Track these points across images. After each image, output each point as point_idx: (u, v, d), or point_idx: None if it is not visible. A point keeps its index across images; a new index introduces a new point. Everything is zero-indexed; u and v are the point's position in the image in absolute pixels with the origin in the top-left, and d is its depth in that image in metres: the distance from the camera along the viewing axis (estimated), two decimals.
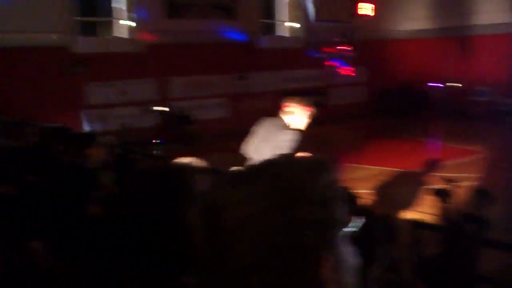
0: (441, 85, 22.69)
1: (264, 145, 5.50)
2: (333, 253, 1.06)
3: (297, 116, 5.65)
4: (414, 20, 23.63)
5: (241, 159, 5.78)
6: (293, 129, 5.54)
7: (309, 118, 5.72)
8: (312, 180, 1.06)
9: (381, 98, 23.37)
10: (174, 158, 4.08)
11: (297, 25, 22.15)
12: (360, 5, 21.40)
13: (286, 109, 5.67)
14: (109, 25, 18.79)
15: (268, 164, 1.11)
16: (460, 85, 22.30)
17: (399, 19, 24.22)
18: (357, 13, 21.20)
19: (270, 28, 22.19)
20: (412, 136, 18.03)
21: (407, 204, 6.51)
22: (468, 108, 21.57)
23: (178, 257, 1.52)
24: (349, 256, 1.11)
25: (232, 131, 18.63)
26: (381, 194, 6.98)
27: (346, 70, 21.09)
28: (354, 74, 21.32)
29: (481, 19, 21.53)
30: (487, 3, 21.55)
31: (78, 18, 17.56)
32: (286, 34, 22.33)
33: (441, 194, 6.17)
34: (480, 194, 6.37)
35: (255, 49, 20.54)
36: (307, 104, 5.63)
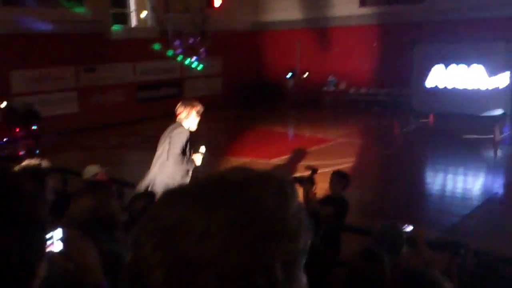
0: (292, 75, 23.47)
1: (158, 148, 6.13)
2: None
3: (190, 119, 6.09)
4: (273, 12, 24.01)
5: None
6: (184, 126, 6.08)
7: (198, 116, 6.19)
8: (282, 208, 0.93)
9: (237, 89, 23.52)
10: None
11: (149, 15, 21.29)
12: None
13: (179, 116, 6.09)
14: None
15: (232, 184, 0.94)
16: (307, 73, 23.18)
17: (258, 10, 24.51)
18: (212, 4, 20.90)
19: (122, 18, 21.04)
20: (270, 127, 18.39)
21: None
22: (320, 98, 22.55)
23: None
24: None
25: (82, 127, 17.48)
26: None
27: (199, 61, 20.79)
28: (204, 65, 21.03)
29: (335, 11, 22.52)
30: None
31: None
32: (139, 24, 21.38)
33: (302, 181, 6.12)
34: (338, 176, 6.42)
35: (105, 39, 19.37)
36: (192, 105, 6.08)
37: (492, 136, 14.48)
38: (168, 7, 20.74)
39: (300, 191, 6.17)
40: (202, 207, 0.89)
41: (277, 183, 0.98)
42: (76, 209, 2.85)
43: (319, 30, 22.97)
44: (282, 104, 22.83)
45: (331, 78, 22.67)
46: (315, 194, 6.24)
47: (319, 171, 6.79)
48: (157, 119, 19.26)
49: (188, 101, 6.39)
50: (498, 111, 17.09)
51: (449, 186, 11.41)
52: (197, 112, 6.19)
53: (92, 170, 5.90)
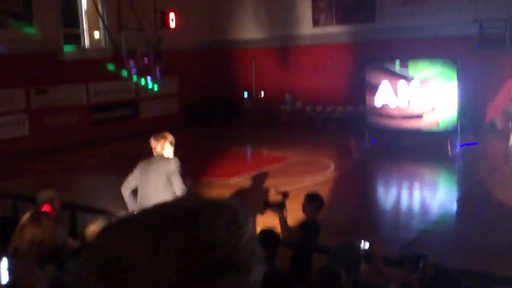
0: (248, 95, 23.58)
1: (148, 181, 6.07)
2: None
3: (166, 150, 6.23)
4: (230, 30, 24.08)
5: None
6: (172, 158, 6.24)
7: (172, 146, 6.35)
8: (234, 238, 0.88)
9: (194, 109, 23.41)
10: None
11: (102, 35, 21.01)
12: (170, 15, 21.01)
13: (156, 149, 6.23)
14: None
15: (182, 213, 0.89)
16: (263, 93, 23.40)
17: (215, 29, 24.54)
18: (168, 24, 20.80)
19: (75, 38, 20.66)
20: (228, 145, 18.33)
21: None
22: (277, 116, 22.68)
23: None
24: None
25: (34, 151, 16.95)
26: None
27: (154, 81, 20.56)
28: (160, 85, 20.77)
29: (290, 31, 22.80)
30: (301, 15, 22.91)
31: None
32: (92, 44, 21.03)
33: (274, 207, 6.10)
34: (308, 199, 6.36)
35: (57, 60, 18.95)
36: (163, 137, 6.26)
37: (446, 150, 14.83)
38: (121, 26, 20.50)
39: (273, 216, 6.18)
40: (149, 238, 0.85)
41: (230, 212, 0.93)
42: (22, 239, 2.71)
43: (275, 49, 23.20)
44: (240, 122, 22.84)
45: (287, 96, 22.85)
46: (286, 220, 6.21)
47: (289, 194, 6.71)
48: (112, 141, 19.02)
49: (159, 135, 6.41)
50: (449, 127, 17.52)
51: (405, 201, 11.54)
52: (170, 143, 6.34)
53: (45, 195, 5.74)
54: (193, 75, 23.22)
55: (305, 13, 22.72)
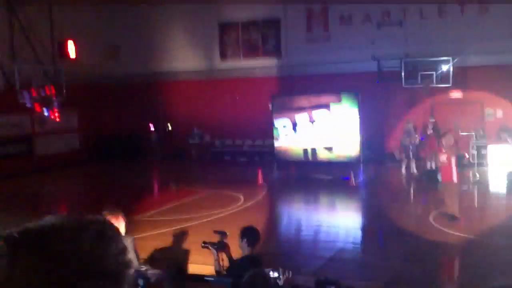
0: (155, 128, 23.01)
1: None
2: None
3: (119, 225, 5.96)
4: (135, 63, 23.44)
5: None
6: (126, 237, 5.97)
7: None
8: (102, 249, 0.98)
9: (96, 144, 22.42)
10: None
11: None
12: (69, 44, 19.94)
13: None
14: None
15: (51, 229, 0.98)
16: (170, 127, 22.95)
17: (120, 62, 23.82)
18: (66, 53, 19.78)
19: None
20: (136, 181, 17.65)
21: None
22: (185, 151, 22.23)
23: None
24: None
25: None
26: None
27: (52, 115, 19.30)
28: (58, 120, 19.53)
29: (197, 64, 22.67)
30: (181, 52, 22.80)
31: None
32: None
33: (214, 247, 5.84)
34: (242, 234, 5.99)
35: None
36: (116, 213, 6.07)
37: (350, 180, 15.13)
38: (15, 57, 19.27)
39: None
40: (8, 255, 0.93)
41: (98, 225, 1.01)
42: None
43: (183, 82, 22.94)
44: (147, 157, 22.15)
45: (195, 130, 22.53)
46: (218, 259, 5.86)
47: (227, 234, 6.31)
48: (4, 179, 17.62)
49: (115, 211, 6.12)
50: (352, 157, 17.97)
51: (312, 230, 11.48)
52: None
53: None
54: (96, 109, 22.33)
55: (213, 47, 22.75)
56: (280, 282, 4.49)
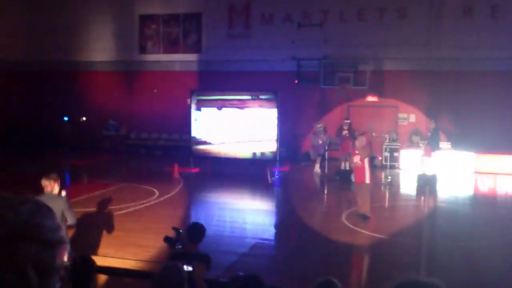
0: (67, 119, 22.02)
1: None
2: None
3: (55, 189, 7.14)
4: (52, 50, 22.21)
5: None
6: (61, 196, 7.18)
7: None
8: (39, 220, 1.14)
9: (7, 134, 21.15)
10: None
11: None
12: None
13: (47, 188, 7.10)
14: None
15: None
16: (85, 118, 22.08)
17: (34, 50, 22.48)
18: None
19: None
20: (47, 172, 16.65)
21: None
22: (100, 142, 21.42)
23: None
24: None
25: None
26: None
27: None
28: None
29: (115, 56, 21.83)
30: (101, 42, 22.00)
31: None
32: None
33: (169, 240, 5.64)
34: (187, 230, 5.74)
35: None
36: (56, 179, 7.20)
37: (266, 177, 15.16)
38: None
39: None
40: None
41: (36, 202, 1.20)
42: None
43: (100, 73, 22.09)
44: (60, 148, 21.12)
45: (111, 122, 21.76)
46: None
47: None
48: None
49: (50, 176, 7.23)
50: (269, 155, 18.06)
51: (226, 226, 11.36)
52: (58, 183, 7.22)
53: None
54: (7, 97, 21.02)
55: (133, 39, 22.07)
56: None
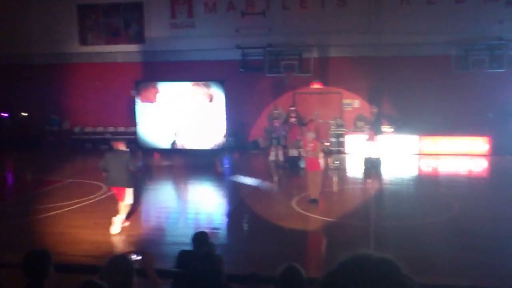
0: (7, 115, 21.21)
1: (115, 163, 9.86)
2: None
3: (123, 147, 10.13)
4: None
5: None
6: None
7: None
8: None
9: None
10: None
11: None
12: None
13: (118, 146, 10.11)
14: None
15: None
16: (25, 114, 21.33)
17: None
18: None
19: None
20: None
21: None
22: (43, 138, 20.77)
23: None
24: None
25: None
26: None
27: None
28: None
29: (56, 47, 21.12)
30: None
31: None
32: None
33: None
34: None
35: None
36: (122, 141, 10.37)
37: (216, 166, 15.17)
38: None
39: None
40: None
41: None
42: None
43: (39, 66, 21.31)
44: None
45: (54, 117, 21.14)
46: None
47: None
48: None
49: (118, 140, 10.54)
50: (217, 145, 18.08)
51: (177, 216, 11.35)
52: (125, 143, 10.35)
53: None
54: None
55: (72, 30, 21.43)
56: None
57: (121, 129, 20.86)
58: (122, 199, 9.75)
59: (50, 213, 10.91)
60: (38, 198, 12.30)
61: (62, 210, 11.10)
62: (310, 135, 11.59)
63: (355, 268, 1.26)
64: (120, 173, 9.63)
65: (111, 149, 10.23)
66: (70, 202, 11.87)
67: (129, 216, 10.20)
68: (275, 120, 18.02)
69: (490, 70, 17.86)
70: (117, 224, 9.53)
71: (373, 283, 1.21)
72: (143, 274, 4.29)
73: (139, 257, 4.38)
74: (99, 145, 20.64)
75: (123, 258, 4.06)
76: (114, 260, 4.00)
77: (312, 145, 11.28)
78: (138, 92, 18.76)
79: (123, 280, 3.76)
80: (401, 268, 1.23)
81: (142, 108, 18.75)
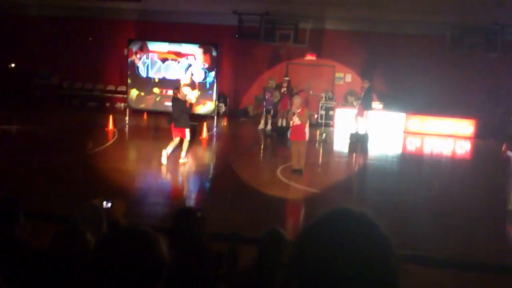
0: None
1: (176, 107, 12.07)
2: None
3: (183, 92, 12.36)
4: None
5: None
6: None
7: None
8: None
9: None
10: None
11: None
12: None
13: (176, 95, 12.29)
14: None
15: None
16: (13, 65, 21.05)
17: None
18: None
19: None
20: None
21: None
22: (30, 91, 20.57)
23: None
24: None
25: None
26: None
27: None
28: None
29: None
30: None
31: None
32: None
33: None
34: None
35: None
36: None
37: (207, 131, 15.15)
38: None
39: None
40: None
41: None
42: None
43: (29, 18, 20.88)
44: None
45: (43, 70, 20.87)
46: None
47: None
48: None
49: (176, 89, 12.65)
50: (207, 110, 18.02)
51: (160, 179, 11.36)
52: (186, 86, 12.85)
53: None
54: None
55: None
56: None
57: (111, 87, 20.69)
58: (184, 137, 11.88)
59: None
60: (19, 152, 12.22)
61: (45, 166, 11.03)
62: (298, 100, 11.58)
63: (333, 222, 1.26)
64: (180, 116, 11.74)
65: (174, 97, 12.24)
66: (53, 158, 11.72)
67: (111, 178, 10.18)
68: (267, 92, 17.99)
69: (484, 54, 17.87)
70: (165, 155, 11.66)
71: (350, 237, 1.20)
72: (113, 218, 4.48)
73: (109, 204, 4.57)
74: (86, 102, 20.49)
75: (92, 205, 4.29)
76: (84, 207, 4.25)
77: (299, 110, 11.25)
78: (131, 51, 18.50)
79: (95, 223, 3.98)
80: (379, 226, 1.24)
81: (134, 67, 18.56)
